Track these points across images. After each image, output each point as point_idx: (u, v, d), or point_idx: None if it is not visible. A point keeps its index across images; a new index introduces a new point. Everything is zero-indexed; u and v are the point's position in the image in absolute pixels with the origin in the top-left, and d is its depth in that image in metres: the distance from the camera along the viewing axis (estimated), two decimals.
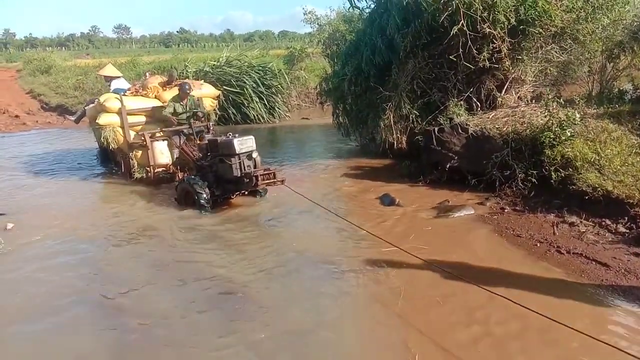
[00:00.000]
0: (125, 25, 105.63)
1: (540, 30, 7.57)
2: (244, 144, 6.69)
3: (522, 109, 7.70)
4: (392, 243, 5.00)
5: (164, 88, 9.07)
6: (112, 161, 9.65)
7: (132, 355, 3.66)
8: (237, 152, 6.60)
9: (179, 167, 8.31)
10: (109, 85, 10.11)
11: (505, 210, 6.17)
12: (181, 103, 8.37)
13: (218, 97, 10.30)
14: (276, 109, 16.86)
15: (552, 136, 6.45)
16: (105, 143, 8.50)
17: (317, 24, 16.98)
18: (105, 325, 4.10)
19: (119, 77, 10.46)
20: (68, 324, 4.15)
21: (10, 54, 57.35)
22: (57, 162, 10.97)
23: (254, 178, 6.55)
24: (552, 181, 6.18)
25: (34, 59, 33.53)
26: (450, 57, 7.65)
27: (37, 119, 18.99)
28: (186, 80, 9.47)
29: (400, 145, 8.88)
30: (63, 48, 64.67)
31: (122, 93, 8.97)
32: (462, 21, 7.17)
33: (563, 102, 7.09)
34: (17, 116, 19.08)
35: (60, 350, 3.79)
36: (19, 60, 41.53)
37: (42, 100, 21.58)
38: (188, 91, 8.39)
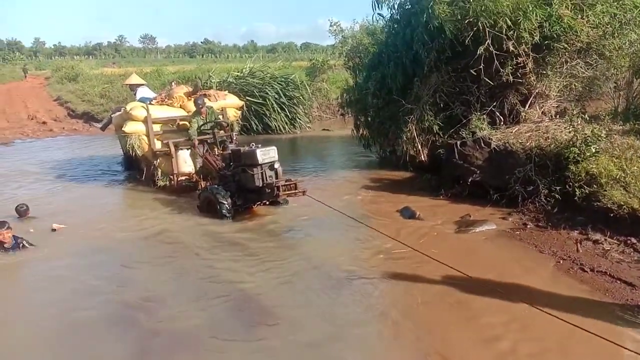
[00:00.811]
0: (151, 35, 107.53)
1: (566, 45, 7.53)
2: (266, 154, 6.75)
3: (546, 124, 7.63)
4: (422, 252, 4.98)
5: (189, 98, 9.23)
6: (136, 168, 9.82)
7: None
8: (259, 163, 6.67)
9: (201, 176, 8.42)
10: (135, 94, 10.33)
11: (528, 226, 6.11)
12: (201, 117, 8.49)
13: (241, 107, 10.43)
14: (297, 119, 16.99)
15: (576, 152, 6.38)
16: (131, 150, 8.67)
17: (342, 36, 17.08)
18: (127, 330, 4.17)
19: (142, 84, 10.70)
20: (92, 328, 4.22)
21: (39, 62, 59.03)
22: (82, 168, 11.21)
23: (275, 188, 6.60)
24: (576, 198, 6.09)
25: (62, 67, 34.51)
26: (473, 71, 7.64)
27: (64, 125, 19.45)
28: (210, 91, 9.63)
29: (421, 158, 8.87)
30: (90, 57, 66.21)
31: (148, 102, 9.16)
32: (487, 40, 7.17)
33: (588, 118, 7.01)
34: (44, 122, 19.58)
35: (82, 353, 3.87)
36: (47, 68, 42.69)
37: (69, 108, 22.11)
38: (201, 105, 8.50)
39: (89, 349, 3.92)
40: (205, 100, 8.87)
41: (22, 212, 7.17)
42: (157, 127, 8.68)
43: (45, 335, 4.18)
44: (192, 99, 9.04)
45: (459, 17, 7.29)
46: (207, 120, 8.50)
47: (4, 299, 4.94)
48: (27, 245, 5.98)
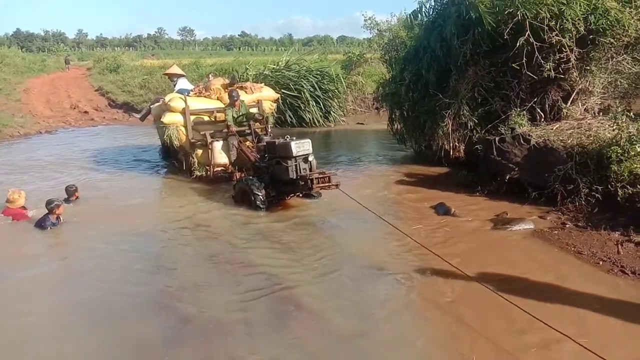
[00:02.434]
0: (190, 28, 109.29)
1: (612, 40, 7.26)
2: (300, 147, 6.79)
3: (589, 121, 7.41)
4: (443, 257, 4.93)
5: (226, 90, 9.35)
6: (173, 158, 10.01)
7: (185, 348, 3.77)
8: (293, 155, 6.71)
9: (236, 167, 8.53)
10: (174, 85, 10.52)
11: (567, 226, 5.96)
12: (234, 109, 8.60)
13: (277, 100, 10.49)
14: (332, 113, 17.00)
15: (619, 151, 6.16)
16: (168, 141, 8.85)
17: (377, 29, 16.96)
18: (162, 314, 4.27)
19: (182, 75, 10.89)
20: (127, 311, 4.34)
21: (82, 53, 60.63)
22: (121, 157, 11.52)
23: (309, 181, 6.63)
24: (618, 198, 5.91)
25: (103, 58, 35.30)
26: (514, 65, 7.47)
27: (105, 115, 20.01)
28: (247, 84, 9.71)
29: (457, 153, 8.75)
30: (130, 48, 67.54)
31: (186, 93, 9.31)
32: (527, 31, 7.00)
33: (633, 116, 6.77)
34: (86, 112, 20.18)
35: (118, 335, 3.98)
36: (89, 59, 43.80)
37: (110, 98, 22.65)
38: (236, 98, 8.63)
39: (124, 332, 4.03)
40: (240, 93, 8.98)
41: (71, 192, 7.51)
42: (194, 118, 8.83)
43: (81, 315, 4.31)
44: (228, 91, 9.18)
45: (498, 8, 7.13)
46: (240, 113, 8.61)
47: (45, 278, 5.14)
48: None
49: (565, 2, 6.86)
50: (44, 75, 31.05)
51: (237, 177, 8.22)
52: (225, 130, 8.60)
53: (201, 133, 8.72)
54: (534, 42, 7.07)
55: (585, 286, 4.45)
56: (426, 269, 4.92)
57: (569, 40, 7.07)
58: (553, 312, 3.94)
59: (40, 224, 6.38)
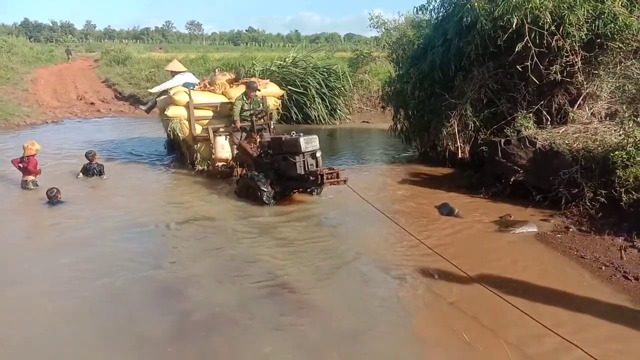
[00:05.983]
0: (198, 22, 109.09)
1: (620, 45, 7.22)
2: (309, 143, 6.79)
3: (595, 125, 7.37)
4: (447, 258, 4.92)
5: (231, 85, 9.36)
6: (178, 151, 10.03)
7: (187, 341, 3.78)
8: (302, 151, 6.72)
9: (238, 163, 8.53)
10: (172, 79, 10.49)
11: (570, 230, 5.93)
12: (247, 101, 8.59)
13: (281, 96, 10.47)
14: (337, 110, 16.96)
15: (625, 156, 6.13)
16: (172, 134, 8.86)
17: (384, 28, 16.85)
18: (164, 306, 4.28)
19: (183, 71, 10.85)
20: (131, 303, 4.35)
21: (89, 45, 60.77)
22: (126, 149, 11.54)
23: (319, 176, 6.63)
24: (622, 203, 5.88)
25: (111, 50, 35.39)
26: (519, 67, 7.42)
27: (111, 107, 20.04)
28: (253, 79, 9.69)
29: (462, 154, 8.72)
30: (138, 41, 67.56)
31: (191, 88, 9.31)
32: (527, 37, 6.97)
33: None
34: (92, 103, 20.21)
35: (120, 330, 3.97)
36: (97, 51, 43.90)
37: (116, 90, 22.70)
38: (253, 89, 8.62)
39: (125, 324, 4.04)
40: (258, 87, 8.98)
41: (90, 156, 8.39)
42: (198, 113, 8.83)
43: (81, 307, 4.30)
44: (234, 86, 9.18)
45: (496, 14, 7.10)
46: (250, 108, 8.59)
47: (44, 270, 5.14)
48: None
49: (567, 6, 6.82)
50: (52, 66, 31.16)
51: (238, 172, 8.22)
52: (232, 125, 8.58)
53: (203, 127, 8.72)
54: (533, 48, 7.04)
55: (586, 290, 4.43)
56: (428, 268, 4.91)
57: (574, 44, 7.04)
58: (553, 315, 3.93)
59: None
